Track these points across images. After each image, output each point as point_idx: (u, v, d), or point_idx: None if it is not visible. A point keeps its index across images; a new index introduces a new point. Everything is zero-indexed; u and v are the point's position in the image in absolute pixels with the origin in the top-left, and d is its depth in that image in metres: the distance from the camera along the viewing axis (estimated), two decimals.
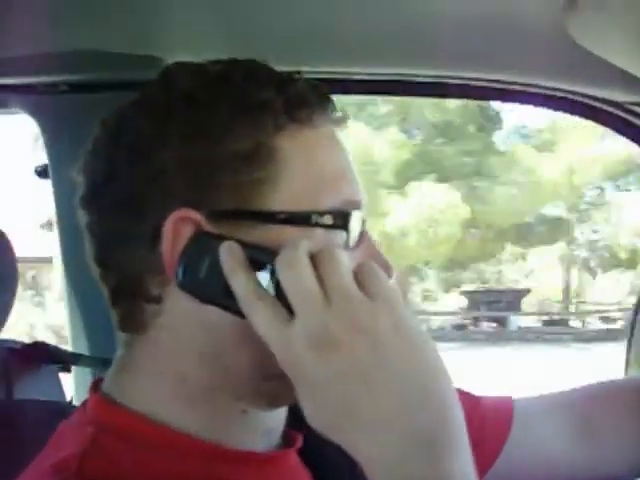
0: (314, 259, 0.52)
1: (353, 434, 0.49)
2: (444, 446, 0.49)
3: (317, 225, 0.57)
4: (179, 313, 0.58)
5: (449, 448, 0.49)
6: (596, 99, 1.16)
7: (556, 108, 1.19)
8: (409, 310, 0.52)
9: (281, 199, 0.57)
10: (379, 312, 0.50)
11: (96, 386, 0.64)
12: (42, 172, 1.21)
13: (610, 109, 1.17)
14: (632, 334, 1.28)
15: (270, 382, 0.57)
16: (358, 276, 0.52)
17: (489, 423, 0.82)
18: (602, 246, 16.85)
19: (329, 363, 0.49)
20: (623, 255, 16.14)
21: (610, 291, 16.46)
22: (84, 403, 0.64)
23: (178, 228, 0.56)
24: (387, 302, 0.51)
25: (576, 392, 0.88)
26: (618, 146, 12.76)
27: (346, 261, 0.52)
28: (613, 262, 16.74)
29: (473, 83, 1.13)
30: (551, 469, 0.85)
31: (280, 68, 0.62)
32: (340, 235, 0.59)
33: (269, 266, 0.53)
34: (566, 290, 18.00)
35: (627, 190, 16.00)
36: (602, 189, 16.46)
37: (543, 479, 0.86)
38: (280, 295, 0.52)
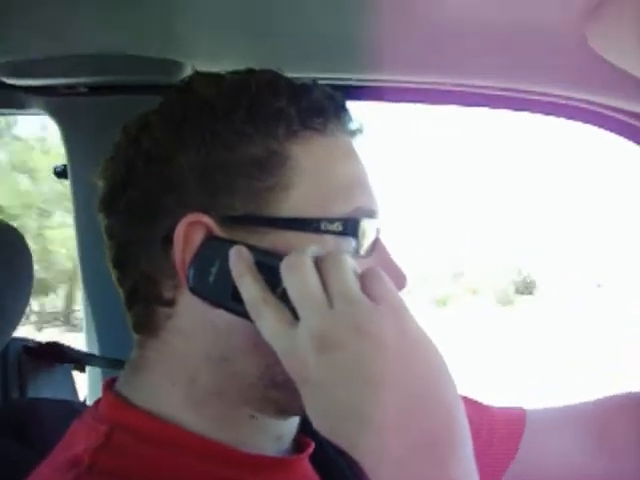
0: (319, 264, 0.53)
1: (357, 437, 0.49)
2: (447, 451, 0.49)
3: (326, 232, 0.58)
4: (191, 316, 0.59)
5: (452, 453, 0.49)
6: (615, 110, 1.15)
7: (573, 118, 1.19)
8: (412, 314, 0.52)
9: (292, 205, 0.58)
10: (383, 316, 0.50)
11: (109, 385, 0.65)
12: (61, 172, 1.23)
13: (630, 120, 1.17)
14: None
15: (277, 390, 0.58)
16: (363, 281, 0.52)
17: (499, 433, 0.82)
18: None
19: (333, 365, 0.49)
20: None
21: None
22: (97, 402, 0.65)
23: (190, 232, 0.57)
24: (391, 306, 0.51)
25: (590, 404, 0.88)
26: None
27: (350, 266, 0.53)
28: None
29: (488, 92, 1.13)
30: None
31: (298, 75, 0.63)
32: (350, 242, 0.59)
33: (276, 270, 0.53)
34: None
35: None
36: None
37: None
38: (286, 299, 0.52)
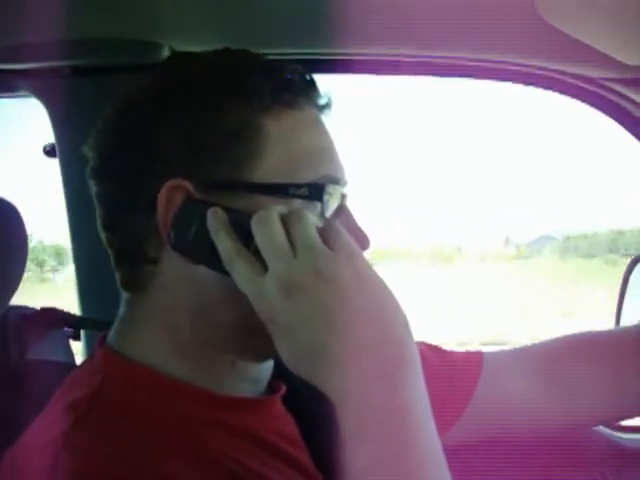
0: (285, 219, 0.58)
1: (322, 371, 0.56)
2: (401, 379, 0.55)
3: (294, 196, 0.64)
4: (173, 273, 0.66)
5: (405, 381, 0.55)
6: (570, 75, 1.20)
7: (529, 84, 1.24)
8: (366, 260, 0.58)
9: (263, 172, 0.64)
10: (339, 262, 0.56)
11: (102, 340, 0.71)
12: (50, 151, 1.28)
13: (585, 85, 1.22)
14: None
15: (253, 337, 0.64)
16: (322, 233, 0.58)
17: (458, 375, 0.89)
18: None
19: (297, 307, 0.55)
20: None
21: None
22: (91, 355, 0.71)
23: (171, 195, 0.64)
24: (347, 253, 0.57)
25: (541, 346, 0.95)
26: None
27: (312, 220, 0.58)
28: None
29: (446, 62, 1.18)
30: (517, 417, 0.92)
31: (269, 51, 0.68)
32: (316, 206, 0.65)
33: (249, 229, 0.59)
34: None
35: None
36: None
37: (509, 426, 0.93)
38: (258, 254, 0.58)
